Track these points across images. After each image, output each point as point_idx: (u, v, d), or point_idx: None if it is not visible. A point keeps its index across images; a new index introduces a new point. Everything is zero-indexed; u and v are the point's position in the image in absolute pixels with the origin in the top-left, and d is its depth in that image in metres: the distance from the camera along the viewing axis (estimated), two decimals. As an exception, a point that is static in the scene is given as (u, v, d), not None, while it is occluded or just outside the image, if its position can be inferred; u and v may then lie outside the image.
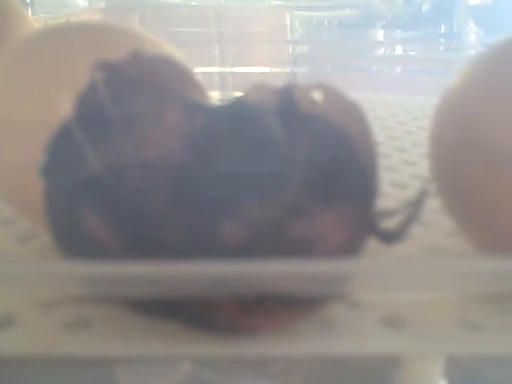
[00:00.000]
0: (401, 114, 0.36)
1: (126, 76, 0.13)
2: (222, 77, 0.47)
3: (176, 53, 0.18)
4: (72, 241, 0.13)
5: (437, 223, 0.19)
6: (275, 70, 0.45)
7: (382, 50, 0.51)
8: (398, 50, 0.51)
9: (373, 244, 0.13)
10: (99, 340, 0.14)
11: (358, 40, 0.52)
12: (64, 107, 0.12)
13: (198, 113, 0.13)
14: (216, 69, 0.47)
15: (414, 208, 0.13)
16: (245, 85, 0.15)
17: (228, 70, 0.48)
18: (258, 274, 0.10)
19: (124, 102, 0.13)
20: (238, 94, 0.15)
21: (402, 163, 0.26)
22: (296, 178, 0.12)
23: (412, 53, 0.49)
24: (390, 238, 0.13)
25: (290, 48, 0.48)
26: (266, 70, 0.45)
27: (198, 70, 0.17)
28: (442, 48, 0.49)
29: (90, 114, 0.12)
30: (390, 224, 0.13)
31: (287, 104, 0.13)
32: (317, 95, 0.14)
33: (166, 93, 0.13)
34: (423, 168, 0.19)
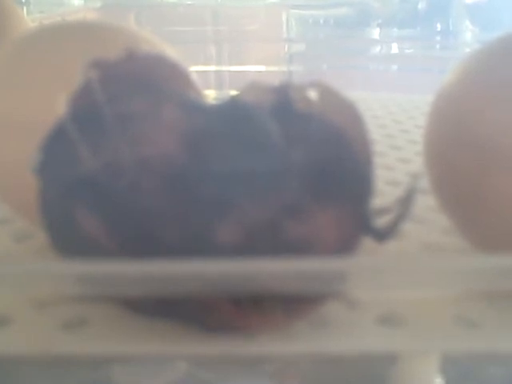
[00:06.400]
0: (397, 113, 0.36)
1: (121, 75, 0.13)
2: (218, 75, 0.47)
3: (172, 51, 0.18)
4: (67, 240, 0.13)
5: (433, 221, 0.19)
6: (271, 68, 0.45)
7: (378, 49, 0.51)
8: (394, 49, 0.51)
9: (368, 242, 0.13)
10: (96, 339, 0.14)
11: (354, 38, 0.52)
12: (59, 106, 0.12)
13: (194, 112, 0.13)
14: (212, 67, 0.47)
15: (404, 205, 0.13)
16: (241, 83, 0.15)
17: (224, 68, 0.48)
18: (254, 272, 0.10)
19: (119, 100, 0.13)
20: (234, 92, 0.15)
21: (398, 161, 0.27)
22: (292, 177, 0.12)
23: (408, 51, 0.49)
24: (381, 235, 0.13)
25: (286, 46, 0.48)
26: (262, 68, 0.45)
27: (193, 68, 0.17)
28: (438, 46, 0.49)
29: (84, 112, 0.12)
30: (382, 222, 0.13)
31: (283, 103, 0.13)
32: (313, 94, 0.14)
33: (161, 91, 0.13)
34: (419, 166, 0.19)
